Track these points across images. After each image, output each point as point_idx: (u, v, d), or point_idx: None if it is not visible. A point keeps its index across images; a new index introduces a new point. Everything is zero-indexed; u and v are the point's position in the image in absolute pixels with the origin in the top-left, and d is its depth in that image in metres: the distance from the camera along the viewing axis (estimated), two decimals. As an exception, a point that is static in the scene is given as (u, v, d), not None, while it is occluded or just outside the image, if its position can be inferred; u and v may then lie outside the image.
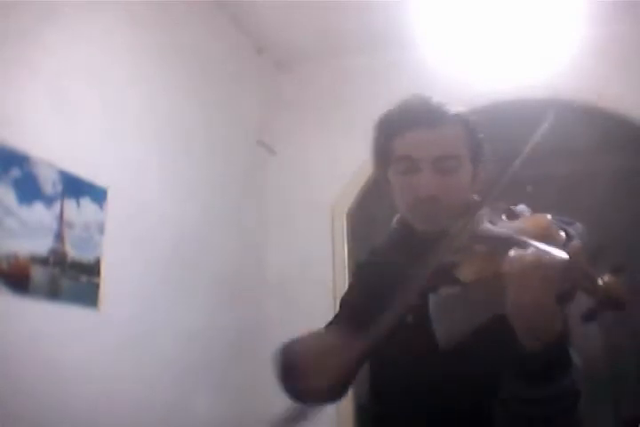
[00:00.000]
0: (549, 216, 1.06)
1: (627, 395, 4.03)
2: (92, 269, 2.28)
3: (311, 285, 3.31)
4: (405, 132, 1.15)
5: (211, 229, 3.08)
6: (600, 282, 0.80)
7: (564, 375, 0.86)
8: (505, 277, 0.84)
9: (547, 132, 0.93)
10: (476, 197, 1.23)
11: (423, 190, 1.12)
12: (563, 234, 0.89)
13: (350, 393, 3.54)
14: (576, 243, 0.83)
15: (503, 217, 1.03)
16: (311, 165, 3.69)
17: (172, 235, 2.78)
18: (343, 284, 3.26)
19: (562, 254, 0.82)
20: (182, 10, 2.99)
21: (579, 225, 1.12)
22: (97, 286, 2.29)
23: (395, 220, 1.28)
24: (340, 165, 3.51)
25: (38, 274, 2.05)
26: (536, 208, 1.15)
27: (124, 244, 2.46)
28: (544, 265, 0.82)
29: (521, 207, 1.15)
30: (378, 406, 1.26)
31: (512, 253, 0.86)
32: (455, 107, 1.20)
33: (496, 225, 0.98)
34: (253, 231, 3.49)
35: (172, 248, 2.78)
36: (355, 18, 3.33)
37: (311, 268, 3.44)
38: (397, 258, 1.17)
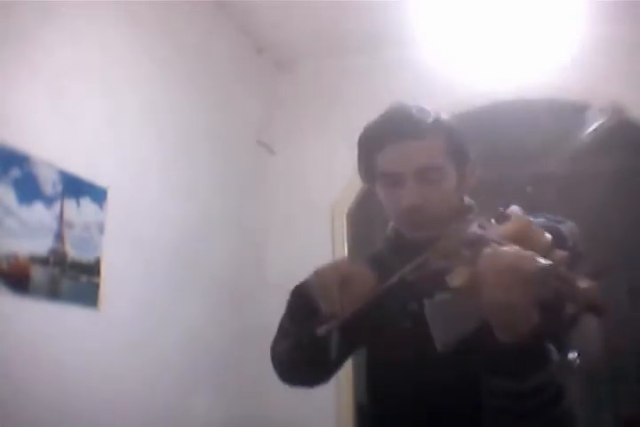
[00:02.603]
0: (532, 218, 1.07)
1: (627, 395, 4.03)
2: (92, 269, 2.28)
3: (311, 285, 3.31)
4: (385, 147, 1.17)
5: (211, 230, 3.08)
6: (580, 287, 0.80)
7: (539, 371, 0.87)
8: (480, 275, 0.85)
9: None
10: (465, 200, 1.24)
11: (406, 202, 1.14)
12: (548, 236, 0.89)
13: (350, 393, 3.53)
14: (561, 252, 0.84)
15: (492, 221, 1.04)
16: (311, 165, 3.69)
17: (172, 235, 2.78)
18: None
19: (541, 259, 0.82)
20: (182, 10, 2.99)
21: (570, 224, 1.12)
22: (97, 286, 2.29)
23: (389, 226, 1.29)
24: (340, 164, 3.50)
25: (38, 274, 2.05)
26: (536, 208, 1.15)
27: (124, 244, 2.46)
28: (520, 266, 0.83)
29: (513, 208, 1.15)
30: (377, 407, 1.27)
31: (488, 250, 0.87)
32: (437, 112, 1.20)
33: (485, 229, 0.99)
34: (253, 231, 3.49)
35: (172, 248, 2.78)
36: (354, 18, 3.33)
37: (311, 268, 3.43)
38: (392, 264, 1.18)
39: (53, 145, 2.20)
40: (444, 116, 1.21)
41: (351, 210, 3.61)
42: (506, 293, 0.83)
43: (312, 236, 3.57)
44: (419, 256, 1.00)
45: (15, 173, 2.03)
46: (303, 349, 1.19)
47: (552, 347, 0.90)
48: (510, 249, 0.86)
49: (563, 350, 1.04)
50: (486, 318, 0.87)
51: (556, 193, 3.94)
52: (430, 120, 1.17)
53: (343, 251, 3.51)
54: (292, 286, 1.23)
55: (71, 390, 2.12)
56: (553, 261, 0.83)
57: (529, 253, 0.85)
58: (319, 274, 1.17)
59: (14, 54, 2.08)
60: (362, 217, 3.63)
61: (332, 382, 1.41)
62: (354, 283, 1.09)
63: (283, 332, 1.27)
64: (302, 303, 1.20)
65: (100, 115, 2.43)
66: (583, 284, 0.81)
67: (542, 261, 0.83)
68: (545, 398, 0.88)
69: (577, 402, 1.00)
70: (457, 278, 0.87)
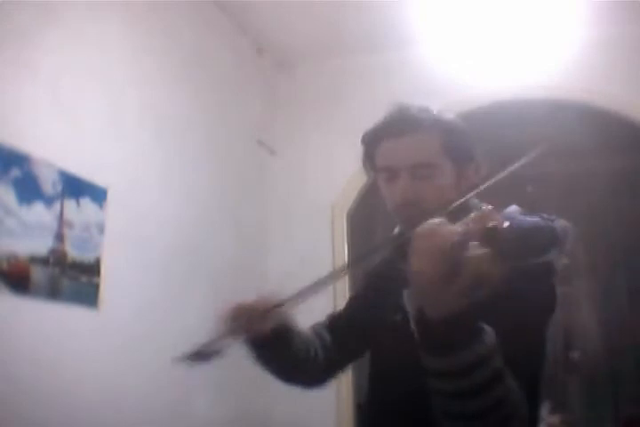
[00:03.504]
0: (527, 217, 1.08)
1: (627, 395, 4.03)
2: (92, 269, 2.28)
3: (311, 285, 3.31)
4: (383, 143, 1.22)
5: (211, 229, 3.08)
6: (469, 256, 0.81)
7: (464, 348, 0.85)
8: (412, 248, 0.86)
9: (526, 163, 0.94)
10: (472, 199, 1.25)
11: (400, 197, 1.19)
12: (506, 224, 0.89)
13: (350, 393, 3.53)
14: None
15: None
16: (311, 165, 3.70)
17: (172, 235, 2.78)
18: (343, 284, 3.26)
19: (459, 230, 0.83)
20: (182, 10, 2.99)
21: (563, 222, 1.12)
22: (97, 286, 2.29)
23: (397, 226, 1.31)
24: (340, 164, 3.51)
25: (38, 274, 2.05)
26: (536, 208, 1.15)
27: (124, 244, 2.46)
28: (437, 236, 0.82)
29: (512, 208, 1.16)
30: (376, 406, 1.27)
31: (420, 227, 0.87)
32: (441, 112, 1.23)
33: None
34: (253, 231, 3.49)
35: (172, 248, 2.78)
36: (354, 18, 3.33)
37: (311, 268, 3.44)
38: (395, 261, 1.19)
39: (53, 145, 2.20)
40: (448, 115, 1.24)
41: (351, 210, 3.61)
42: (422, 261, 0.82)
43: (312, 236, 3.57)
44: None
45: (15, 173, 2.03)
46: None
47: (488, 329, 0.89)
48: (436, 222, 0.86)
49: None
50: (416, 294, 0.86)
51: (556, 193, 3.94)
52: (427, 118, 1.20)
53: (343, 251, 3.51)
54: (291, 286, 1.24)
55: (71, 390, 2.13)
56: (467, 233, 0.83)
57: (452, 227, 0.84)
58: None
59: (14, 54, 2.08)
60: (362, 217, 3.63)
61: (332, 382, 1.43)
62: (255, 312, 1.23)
63: None
64: None
65: (100, 115, 2.43)
66: (474, 251, 0.81)
67: (459, 231, 0.83)
68: (472, 379, 0.85)
69: (523, 403, 0.98)
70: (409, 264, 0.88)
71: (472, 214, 0.92)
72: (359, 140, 1.29)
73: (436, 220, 0.86)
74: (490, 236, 0.83)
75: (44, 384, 2.02)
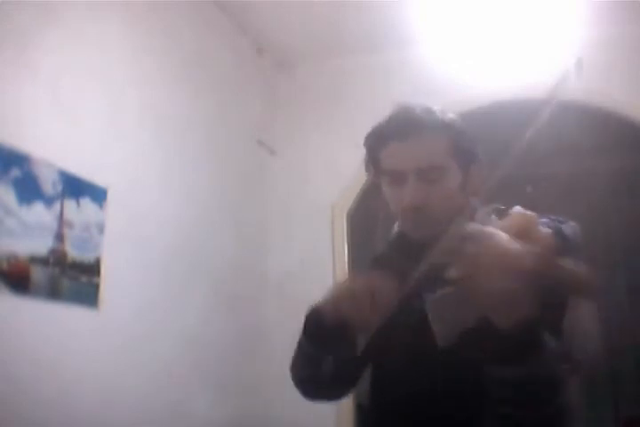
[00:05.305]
0: (531, 213, 1.08)
1: (627, 395, 4.03)
2: (92, 269, 2.28)
3: (311, 285, 3.31)
4: (389, 146, 1.19)
5: (211, 229, 3.08)
6: (570, 268, 0.82)
7: (534, 357, 0.87)
8: (479, 262, 0.86)
9: (537, 131, 0.94)
10: (472, 201, 1.24)
11: (407, 201, 1.16)
12: (547, 230, 0.90)
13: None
14: (549, 238, 0.85)
15: (493, 216, 1.04)
16: (311, 165, 3.70)
17: (172, 235, 2.78)
18: (343, 284, 3.26)
19: (531, 248, 0.84)
20: (182, 10, 2.99)
21: (572, 224, 1.13)
22: (97, 286, 2.29)
23: (395, 225, 1.30)
24: (340, 164, 3.51)
25: (38, 274, 2.05)
26: (536, 208, 1.15)
27: (124, 244, 2.46)
28: (514, 250, 0.83)
29: (516, 209, 1.15)
30: (379, 407, 1.27)
31: (485, 235, 0.88)
32: (443, 112, 1.21)
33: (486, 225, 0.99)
34: (253, 231, 3.49)
35: (172, 248, 2.78)
36: (354, 18, 3.33)
37: (311, 268, 3.44)
38: (400, 264, 1.18)
39: (53, 145, 2.20)
40: (451, 115, 1.21)
41: (351, 210, 3.61)
42: (502, 277, 0.83)
43: (312, 236, 3.57)
44: (425, 256, 1.00)
45: (15, 173, 2.03)
46: (334, 370, 1.18)
47: (549, 337, 0.90)
48: (505, 235, 0.87)
49: (560, 341, 1.04)
50: (485, 305, 0.87)
51: (556, 193, 3.94)
52: (434, 119, 1.18)
53: (343, 251, 3.50)
54: (291, 286, 1.23)
55: (71, 390, 2.13)
56: (540, 248, 0.84)
57: (522, 243, 0.85)
58: (342, 290, 1.13)
59: (14, 54, 2.08)
60: (362, 217, 3.63)
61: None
62: (378, 294, 1.07)
63: (303, 355, 1.23)
64: (323, 324, 1.13)
65: (100, 115, 2.43)
66: (572, 266, 0.82)
67: (533, 248, 0.84)
68: (541, 388, 0.88)
69: (577, 402, 1.01)
70: (456, 270, 0.87)
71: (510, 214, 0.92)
72: (359, 140, 1.27)
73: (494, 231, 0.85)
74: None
75: (43, 384, 2.02)
